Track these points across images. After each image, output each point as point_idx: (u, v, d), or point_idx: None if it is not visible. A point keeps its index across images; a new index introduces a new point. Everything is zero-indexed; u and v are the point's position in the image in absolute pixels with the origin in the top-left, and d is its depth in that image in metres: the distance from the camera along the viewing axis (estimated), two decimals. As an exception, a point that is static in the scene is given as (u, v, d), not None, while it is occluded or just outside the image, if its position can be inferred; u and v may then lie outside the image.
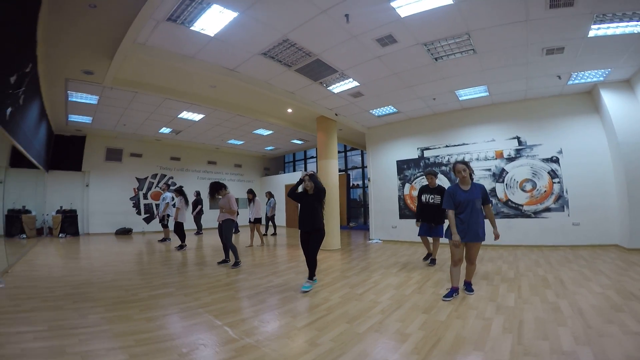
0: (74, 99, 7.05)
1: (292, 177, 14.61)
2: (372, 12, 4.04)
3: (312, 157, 15.59)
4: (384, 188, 9.35)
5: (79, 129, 9.79)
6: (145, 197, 12.05)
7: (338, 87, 6.42)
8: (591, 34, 4.46)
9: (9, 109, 4.18)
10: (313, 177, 4.18)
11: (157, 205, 11.36)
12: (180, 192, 7.96)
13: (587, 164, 6.64)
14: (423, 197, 5.38)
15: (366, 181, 10.67)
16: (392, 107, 7.85)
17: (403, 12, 4.04)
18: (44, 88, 5.98)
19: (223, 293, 3.93)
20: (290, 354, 2.31)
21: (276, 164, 17.16)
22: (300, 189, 4.33)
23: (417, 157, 8.78)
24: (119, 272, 5.08)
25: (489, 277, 4.43)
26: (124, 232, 11.00)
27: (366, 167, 10.33)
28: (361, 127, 9.42)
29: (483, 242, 3.60)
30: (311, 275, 4.15)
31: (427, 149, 8.61)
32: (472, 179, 3.63)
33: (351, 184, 14.25)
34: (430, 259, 5.57)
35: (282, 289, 4.06)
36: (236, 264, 5.49)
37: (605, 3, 3.77)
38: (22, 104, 5.10)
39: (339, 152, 14.00)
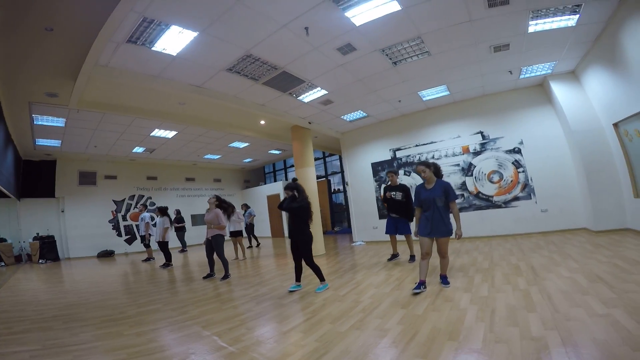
0: (40, 122, 6.88)
1: (273, 188, 14.64)
2: (330, 23, 4.24)
3: (292, 166, 15.68)
4: (362, 191, 9.58)
5: (48, 153, 9.52)
6: (124, 218, 11.81)
7: (308, 97, 6.60)
8: (530, 29, 4.82)
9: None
10: (291, 188, 4.37)
11: (137, 226, 11.16)
12: (163, 211, 7.88)
13: (548, 152, 7.07)
14: (387, 194, 5.68)
15: (345, 184, 10.87)
16: (362, 112, 8.11)
17: (357, 21, 4.25)
18: (7, 112, 5.88)
19: (210, 305, 3.98)
20: (277, 356, 2.39)
21: (256, 175, 17.14)
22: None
23: (390, 158, 9.08)
24: (105, 292, 5.08)
25: (464, 268, 4.61)
26: (106, 255, 10.77)
27: (344, 171, 10.54)
28: (335, 133, 9.64)
29: (463, 235, 3.78)
30: (321, 278, 4.33)
31: (399, 149, 8.92)
32: (439, 177, 3.79)
33: (333, 189, 14.43)
34: (410, 255, 5.76)
35: (267, 297, 4.13)
36: (226, 276, 5.51)
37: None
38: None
39: (318, 158, 14.26)
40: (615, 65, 5.06)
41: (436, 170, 3.80)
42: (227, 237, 6.20)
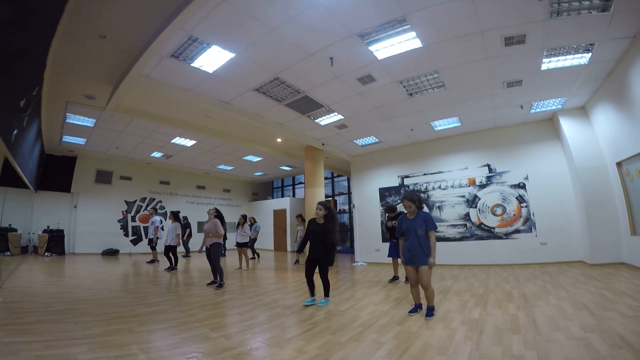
0: (71, 121, 7.35)
1: (280, 203, 14.91)
2: (354, 56, 4.65)
3: (300, 183, 16.01)
4: (368, 214, 9.81)
5: (71, 150, 9.98)
6: (133, 219, 12.11)
7: (324, 120, 6.99)
8: (544, 67, 5.08)
9: (15, 131, 4.44)
10: (326, 206, 4.45)
11: (146, 228, 11.42)
12: (176, 217, 8.14)
13: (551, 188, 7.28)
14: (388, 223, 6.03)
15: (352, 206, 11.10)
16: (374, 137, 8.48)
17: (380, 55, 4.65)
18: (45, 110, 6.26)
19: (216, 310, 4.16)
20: (282, 359, 2.61)
21: (265, 189, 17.48)
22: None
23: (397, 184, 9.36)
24: (112, 290, 5.25)
25: (460, 293, 4.81)
26: (111, 253, 10.99)
27: (352, 193, 10.82)
28: (346, 156, 10.00)
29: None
30: (327, 293, 4.45)
31: (407, 177, 9.21)
32: (420, 209, 3.89)
33: (338, 209, 14.65)
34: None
35: (271, 307, 4.30)
36: (220, 285, 5.61)
37: (552, 39, 4.35)
38: (25, 125, 5.37)
39: (326, 178, 14.59)
40: (623, 104, 5.20)
41: (419, 204, 3.89)
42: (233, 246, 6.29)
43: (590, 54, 4.73)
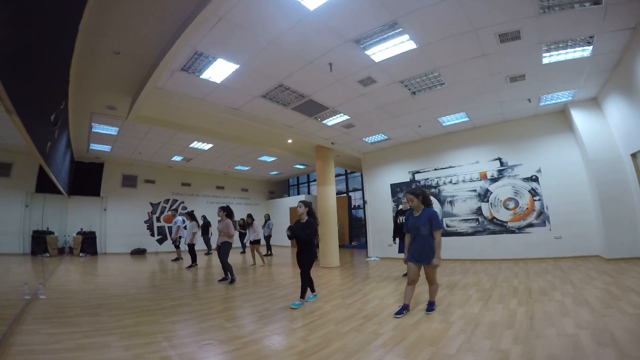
0: (97, 130, 7.92)
1: (296, 200, 15.21)
2: (351, 60, 4.82)
3: (314, 180, 16.28)
4: (380, 209, 9.96)
5: (98, 157, 10.70)
6: (158, 220, 12.83)
7: (331, 121, 7.20)
8: (545, 61, 5.04)
9: (49, 144, 4.94)
10: (307, 204, 4.55)
11: (170, 228, 12.08)
12: (192, 216, 8.66)
13: (565, 181, 7.16)
14: (397, 219, 6.02)
15: (364, 202, 11.25)
16: (383, 135, 8.60)
17: (377, 58, 4.79)
18: (72, 121, 6.77)
19: (231, 303, 4.55)
20: (286, 346, 2.91)
21: (281, 187, 17.89)
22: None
23: (408, 180, 9.45)
24: (141, 286, 5.75)
25: (466, 287, 4.91)
26: (139, 252, 11.71)
27: (364, 189, 10.97)
28: (357, 153, 10.16)
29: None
30: (302, 294, 4.39)
31: (418, 172, 9.28)
32: (428, 206, 3.80)
33: (353, 205, 14.83)
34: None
35: (282, 300, 4.62)
36: (232, 281, 5.95)
37: (548, 33, 4.34)
38: (56, 137, 5.89)
39: (340, 174, 14.78)
40: (632, 95, 5.09)
41: (425, 199, 3.81)
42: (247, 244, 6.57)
43: (591, 46, 4.67)
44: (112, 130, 8.06)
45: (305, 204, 4.58)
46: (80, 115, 6.81)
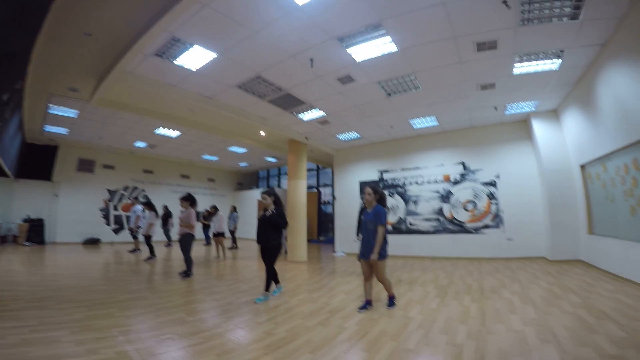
0: (54, 112, 7.33)
1: (264, 193, 15.06)
2: (333, 58, 4.84)
3: (285, 174, 16.19)
4: (347, 206, 10.17)
5: (52, 139, 9.89)
6: (115, 208, 12.12)
7: (307, 116, 7.20)
8: (516, 71, 5.31)
9: (-1, 125, 4.53)
10: (270, 194, 4.39)
11: (128, 217, 11.46)
12: (150, 206, 8.21)
13: (520, 187, 7.72)
14: (361, 216, 6.14)
15: (333, 198, 11.41)
16: (356, 133, 8.75)
17: (358, 58, 4.86)
18: (27, 102, 6.29)
19: (192, 297, 4.41)
20: (251, 340, 2.89)
21: (250, 179, 17.60)
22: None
23: (377, 178, 9.73)
24: (94, 278, 5.43)
25: (425, 284, 5.17)
26: (92, 242, 11.04)
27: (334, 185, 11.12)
28: (330, 150, 10.25)
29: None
30: (267, 287, 4.33)
31: (386, 171, 9.58)
32: (382, 203, 3.83)
33: (322, 200, 14.97)
34: None
35: (246, 294, 4.57)
36: (187, 274, 5.62)
37: (523, 45, 4.55)
38: (7, 117, 5.39)
39: (312, 169, 14.83)
40: (589, 109, 5.47)
41: (381, 199, 3.85)
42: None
43: (560, 60, 4.95)
44: (71, 113, 7.50)
45: (270, 193, 4.42)
46: (36, 96, 6.28)
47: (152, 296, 4.35)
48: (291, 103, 6.43)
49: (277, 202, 4.46)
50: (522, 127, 7.88)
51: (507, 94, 6.28)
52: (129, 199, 12.31)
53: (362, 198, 9.78)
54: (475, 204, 8.17)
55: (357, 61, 4.94)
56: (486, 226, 7.98)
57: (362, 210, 3.66)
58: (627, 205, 4.59)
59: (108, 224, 11.89)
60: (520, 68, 5.23)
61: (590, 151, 5.70)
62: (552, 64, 5.11)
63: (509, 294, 4.31)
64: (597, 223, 5.85)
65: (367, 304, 3.84)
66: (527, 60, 5.00)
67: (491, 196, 8.02)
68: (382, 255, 3.70)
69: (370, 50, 4.69)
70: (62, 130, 8.89)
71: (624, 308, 3.41)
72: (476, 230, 8.08)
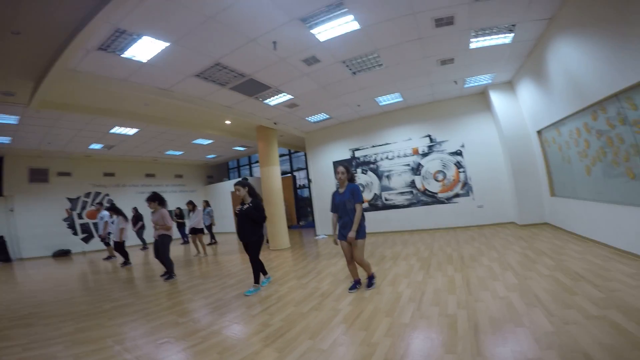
0: (-9, 120, 6.60)
1: (237, 183, 14.74)
2: (297, 39, 4.66)
3: (256, 162, 15.87)
4: (324, 187, 10.19)
5: (-6, 151, 8.98)
6: (80, 217, 11.37)
7: (274, 100, 6.98)
8: (472, 46, 5.48)
9: None
10: (243, 185, 4.30)
11: (95, 225, 10.83)
12: (116, 210, 7.80)
13: (485, 155, 8.07)
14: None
15: (309, 181, 11.39)
16: (325, 114, 8.66)
17: (322, 37, 4.72)
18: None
19: (180, 297, 4.31)
20: (248, 333, 2.88)
21: (220, 171, 17.08)
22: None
23: (349, 157, 9.79)
24: (73, 290, 5.18)
25: (408, 257, 5.35)
26: (62, 254, 10.41)
27: (308, 168, 11.07)
28: (300, 133, 10.11)
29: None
30: (256, 279, 4.34)
31: (357, 149, 9.65)
32: (352, 182, 3.84)
33: (298, 185, 14.90)
34: None
35: (234, 288, 4.54)
36: (170, 276, 5.53)
37: (478, 20, 4.68)
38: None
39: (284, 155, 14.63)
40: (541, 79, 5.73)
41: (351, 177, 3.87)
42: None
43: (512, 34, 5.17)
44: (11, 120, 6.75)
45: (243, 184, 4.34)
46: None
47: (138, 302, 4.21)
48: (256, 89, 6.18)
49: (252, 193, 4.37)
50: (481, 99, 8.17)
51: (465, 68, 6.47)
52: (92, 205, 11.56)
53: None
54: (444, 174, 8.47)
55: (321, 41, 4.79)
56: (457, 195, 8.33)
57: (334, 194, 3.69)
58: (582, 165, 4.88)
59: (75, 233, 11.16)
60: (476, 43, 5.39)
61: (544, 118, 6.00)
62: (505, 38, 5.32)
63: (488, 261, 4.46)
64: (557, 185, 6.21)
65: (357, 284, 3.90)
66: (482, 35, 5.17)
67: (459, 165, 8.33)
68: (361, 234, 3.69)
69: (334, 30, 4.57)
70: (4, 140, 8.04)
71: (595, 269, 3.48)
72: (448, 199, 8.41)
